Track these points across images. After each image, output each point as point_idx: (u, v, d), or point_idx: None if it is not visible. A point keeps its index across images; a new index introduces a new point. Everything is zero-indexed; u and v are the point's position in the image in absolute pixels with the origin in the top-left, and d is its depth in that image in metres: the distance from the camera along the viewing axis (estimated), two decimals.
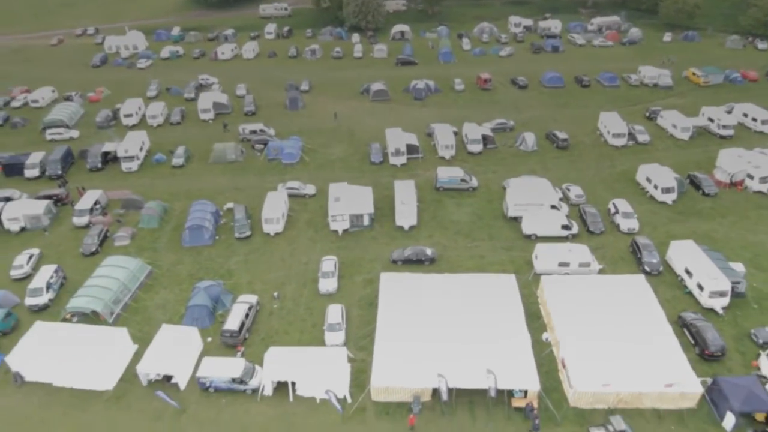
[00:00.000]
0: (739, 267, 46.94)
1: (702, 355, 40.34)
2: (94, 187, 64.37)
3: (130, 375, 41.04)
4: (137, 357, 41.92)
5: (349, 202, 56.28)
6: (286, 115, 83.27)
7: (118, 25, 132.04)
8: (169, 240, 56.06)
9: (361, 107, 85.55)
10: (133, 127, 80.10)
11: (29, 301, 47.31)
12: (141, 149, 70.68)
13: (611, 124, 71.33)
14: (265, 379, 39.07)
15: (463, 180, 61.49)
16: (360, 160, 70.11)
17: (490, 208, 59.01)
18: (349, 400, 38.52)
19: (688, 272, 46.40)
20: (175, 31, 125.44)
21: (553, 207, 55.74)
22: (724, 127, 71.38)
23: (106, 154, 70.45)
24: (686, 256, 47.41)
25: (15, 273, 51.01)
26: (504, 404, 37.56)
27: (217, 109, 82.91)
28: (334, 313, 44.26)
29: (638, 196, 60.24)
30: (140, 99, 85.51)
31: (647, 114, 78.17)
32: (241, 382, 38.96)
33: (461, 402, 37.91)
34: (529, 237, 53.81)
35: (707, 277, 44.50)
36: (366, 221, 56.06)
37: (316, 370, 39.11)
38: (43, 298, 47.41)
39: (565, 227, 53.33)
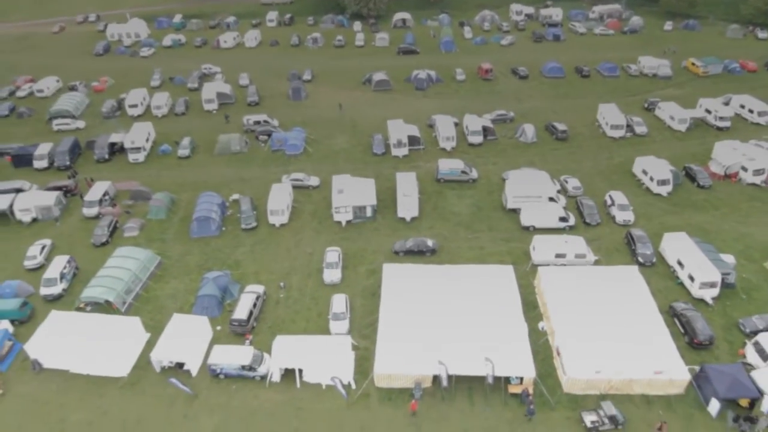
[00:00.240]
0: (729, 259, 48.51)
1: (691, 343, 42.09)
2: (101, 178, 65.89)
3: (143, 362, 42.83)
4: (150, 345, 43.74)
5: (352, 193, 57.66)
6: (289, 106, 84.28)
7: (119, 11, 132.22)
8: (177, 231, 57.60)
9: (364, 97, 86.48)
10: (138, 117, 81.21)
11: (44, 291, 48.96)
12: (147, 140, 71.85)
13: (610, 116, 72.41)
14: (273, 366, 40.90)
15: (463, 172, 62.81)
16: (362, 151, 71.34)
17: (489, 200, 60.43)
18: (354, 387, 40.36)
19: (680, 263, 48.00)
20: (177, 18, 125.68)
21: (551, 199, 57.16)
22: (721, 118, 72.47)
23: (112, 145, 71.66)
24: (679, 247, 48.95)
25: (28, 263, 52.62)
26: (501, 390, 39.40)
27: (221, 99, 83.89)
28: (339, 302, 45.95)
29: (634, 188, 61.63)
30: (144, 89, 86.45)
31: (646, 105, 79.16)
32: (251, 369, 40.79)
33: (460, 388, 39.75)
34: (527, 228, 55.34)
35: (698, 268, 46.09)
36: (369, 213, 57.51)
37: (322, 358, 40.90)
38: (57, 288, 49.08)
39: (563, 219, 54.82)
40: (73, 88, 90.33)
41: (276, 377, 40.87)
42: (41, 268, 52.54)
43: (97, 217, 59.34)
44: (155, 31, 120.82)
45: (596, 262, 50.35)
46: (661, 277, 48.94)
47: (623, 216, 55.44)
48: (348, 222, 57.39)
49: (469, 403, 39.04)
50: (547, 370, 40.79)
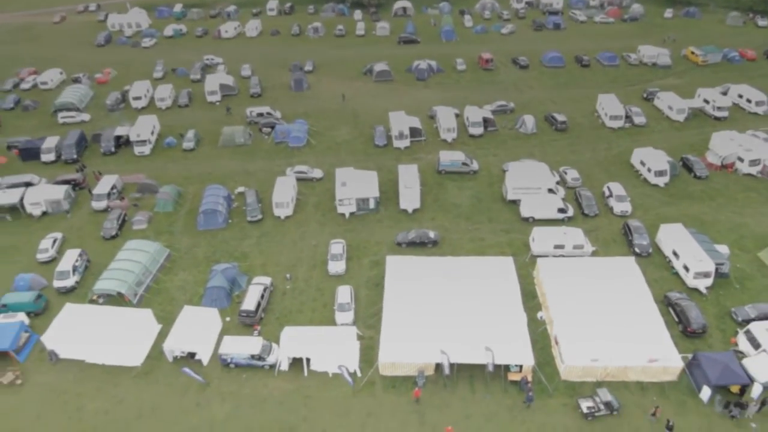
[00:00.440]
0: (723, 249, 49.80)
1: (685, 332, 43.56)
2: (108, 171, 67.07)
3: (156, 352, 44.42)
4: (161, 336, 45.34)
5: (355, 186, 58.80)
6: (291, 97, 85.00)
7: (120, 0, 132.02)
8: (185, 223, 58.87)
9: (365, 88, 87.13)
10: (142, 110, 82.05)
11: (57, 283, 50.38)
12: (152, 133, 72.78)
13: (609, 106, 73.20)
14: (281, 355, 42.47)
15: (464, 163, 63.87)
16: (365, 142, 72.30)
17: (490, 191, 61.59)
18: (359, 375, 41.95)
19: (675, 254, 49.32)
20: (177, 8, 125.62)
21: (550, 191, 58.29)
22: (719, 108, 73.23)
23: (118, 138, 72.61)
24: (674, 238, 50.21)
25: (41, 256, 53.95)
26: (501, 378, 40.99)
27: (224, 91, 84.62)
28: (344, 293, 47.38)
29: (632, 178, 62.72)
30: (148, 81, 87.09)
31: (645, 95, 79.85)
32: (260, 358, 42.37)
33: (462, 376, 41.33)
34: (526, 220, 56.58)
35: (693, 258, 47.41)
36: (372, 205, 58.72)
37: (329, 348, 42.44)
38: (70, 281, 50.50)
39: (561, 210, 56.02)
40: (76, 81, 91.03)
41: (284, 366, 42.46)
42: (53, 261, 53.95)
43: (106, 210, 60.58)
44: (156, 20, 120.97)
45: (594, 253, 51.67)
46: (657, 267, 50.27)
47: (621, 207, 56.63)
48: (351, 214, 58.62)
49: (470, 390, 40.63)
50: (546, 359, 42.32)
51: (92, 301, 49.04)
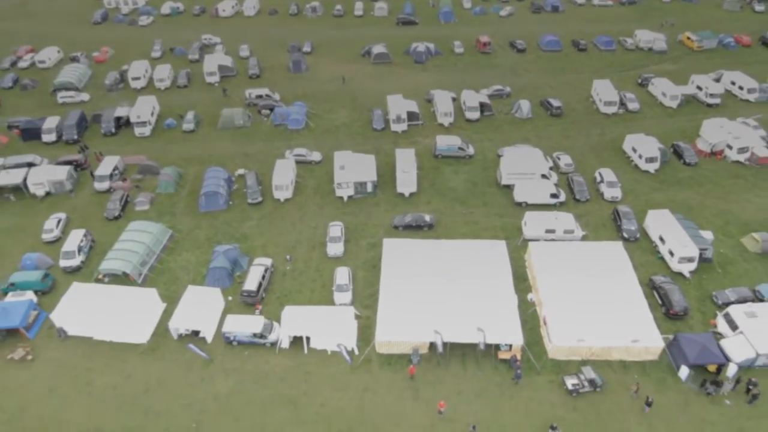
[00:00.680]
0: (708, 235, 51.66)
1: (667, 314, 45.64)
2: (109, 152, 68.05)
3: (161, 330, 46.23)
4: (166, 314, 47.11)
5: (353, 169, 60.08)
6: (289, 79, 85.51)
7: None
8: (186, 205, 60.18)
9: (363, 70, 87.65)
10: (141, 90, 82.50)
11: (63, 263, 51.85)
12: (152, 114, 73.48)
13: (603, 92, 74.22)
14: (282, 333, 44.37)
15: (460, 148, 65.14)
16: (363, 126, 73.30)
17: (484, 176, 63.03)
18: (357, 353, 43.95)
19: (661, 239, 51.17)
20: None
21: (544, 176, 59.78)
22: (712, 95, 74.38)
23: (118, 119, 73.29)
24: (661, 224, 51.98)
25: (46, 236, 55.29)
26: (491, 356, 43.11)
27: (223, 72, 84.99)
28: (342, 275, 49.12)
29: (624, 164, 64.22)
30: (146, 61, 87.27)
31: (639, 81, 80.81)
32: (262, 336, 44.26)
33: (454, 354, 43.40)
34: (520, 204, 58.19)
35: (678, 244, 49.28)
36: (369, 188, 60.10)
37: (328, 327, 44.38)
38: (76, 261, 51.97)
39: (554, 195, 57.60)
40: (74, 59, 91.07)
41: (285, 344, 44.40)
42: (58, 240, 55.35)
43: (109, 191, 61.76)
44: None
45: (584, 238, 53.46)
46: (644, 251, 52.16)
47: (611, 193, 58.26)
48: (349, 197, 60.04)
49: (462, 367, 42.72)
50: (534, 338, 44.40)
51: (98, 281, 50.64)
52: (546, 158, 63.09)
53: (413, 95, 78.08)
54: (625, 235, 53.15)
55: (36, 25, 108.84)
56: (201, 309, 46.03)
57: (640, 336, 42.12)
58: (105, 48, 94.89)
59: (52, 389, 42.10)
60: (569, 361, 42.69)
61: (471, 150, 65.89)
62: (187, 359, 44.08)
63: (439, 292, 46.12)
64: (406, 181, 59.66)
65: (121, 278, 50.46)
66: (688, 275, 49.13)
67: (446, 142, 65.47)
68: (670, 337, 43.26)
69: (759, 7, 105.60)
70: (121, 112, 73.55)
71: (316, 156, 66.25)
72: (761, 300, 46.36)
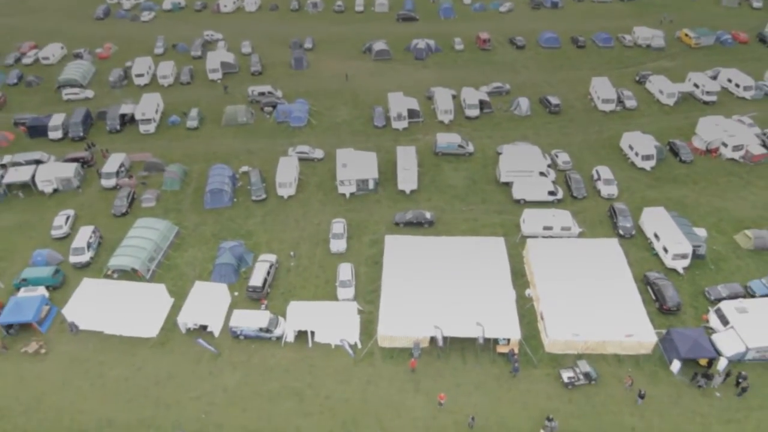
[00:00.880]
0: (701, 232, 52.97)
1: (661, 309, 47.06)
2: (114, 150, 69.17)
3: (170, 324, 47.65)
4: (174, 309, 48.51)
5: (355, 167, 61.26)
6: (291, 76, 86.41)
7: None
8: (192, 202, 61.39)
9: (364, 67, 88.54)
10: (145, 87, 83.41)
11: (73, 259, 53.16)
12: (156, 111, 74.46)
13: (601, 90, 75.27)
14: (287, 328, 45.78)
15: (460, 146, 66.28)
16: (364, 123, 74.37)
17: (484, 173, 64.23)
18: (360, 346, 45.40)
19: (656, 236, 52.49)
20: None
21: (542, 174, 60.99)
22: (708, 93, 75.41)
23: (123, 116, 74.28)
24: (656, 221, 53.28)
25: (55, 233, 56.53)
26: (490, 350, 44.56)
27: (225, 68, 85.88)
28: (345, 270, 50.48)
29: (620, 162, 65.42)
30: (149, 58, 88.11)
31: (637, 78, 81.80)
32: (267, 330, 45.68)
33: (454, 348, 44.85)
34: (518, 201, 59.45)
35: (672, 241, 50.61)
36: (371, 185, 61.33)
37: (331, 321, 45.80)
38: (85, 257, 53.28)
39: (551, 193, 58.85)
40: (78, 56, 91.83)
41: (290, 338, 45.82)
42: (67, 237, 56.60)
43: (115, 188, 62.93)
44: None
45: (580, 234, 54.78)
46: (639, 248, 53.50)
47: (608, 190, 59.51)
48: (352, 194, 61.26)
49: (462, 361, 44.18)
50: (532, 333, 45.85)
51: (107, 276, 51.97)
52: (544, 156, 64.25)
53: (414, 92, 79.09)
54: (621, 232, 54.49)
55: (37, 20, 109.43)
56: (208, 304, 47.41)
57: (634, 331, 43.56)
58: (108, 44, 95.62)
59: (65, 381, 43.57)
60: (565, 354, 44.15)
61: (471, 147, 67.04)
62: (195, 353, 45.53)
63: (440, 288, 47.49)
64: (407, 178, 60.86)
65: (129, 274, 51.79)
66: (681, 271, 50.51)
67: (446, 140, 66.59)
68: (663, 331, 44.69)
69: (757, 4, 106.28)
70: (125, 109, 74.50)
71: (318, 153, 67.39)
72: (752, 296, 47.77)
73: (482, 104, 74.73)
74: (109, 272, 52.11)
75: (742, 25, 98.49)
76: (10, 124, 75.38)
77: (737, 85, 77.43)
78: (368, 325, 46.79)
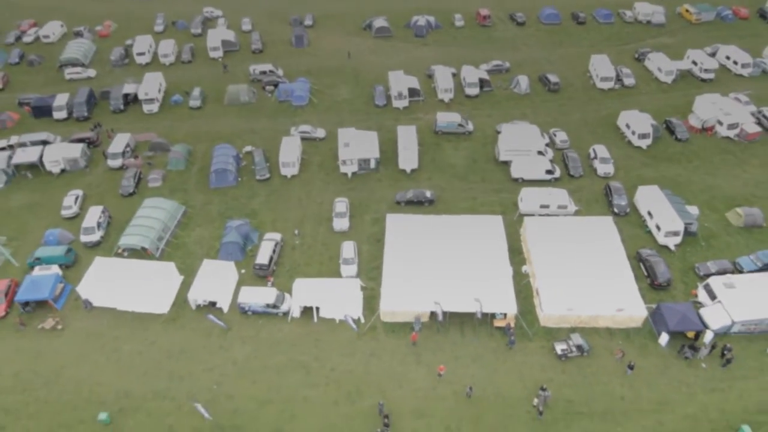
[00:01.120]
0: (693, 210, 54.54)
1: (652, 285, 48.95)
2: (119, 129, 70.12)
3: (180, 301, 49.58)
4: (184, 286, 50.38)
5: (357, 146, 62.40)
6: (292, 54, 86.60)
7: None
8: (197, 181, 62.75)
9: (365, 44, 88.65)
10: (146, 66, 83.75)
11: (84, 238, 54.76)
12: (159, 91, 75.08)
13: (600, 68, 75.77)
14: (293, 304, 47.75)
15: (460, 125, 67.27)
16: (365, 102, 75.10)
17: (483, 152, 65.40)
18: (363, 321, 47.42)
19: (650, 214, 54.05)
20: None
21: (540, 153, 62.19)
22: (706, 70, 75.91)
23: (126, 95, 74.94)
24: (650, 199, 54.78)
25: (65, 213, 58.03)
26: (487, 324, 46.62)
27: (226, 47, 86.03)
28: (348, 248, 52.18)
29: (617, 140, 66.52)
30: (150, 36, 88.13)
31: (636, 55, 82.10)
32: (274, 306, 47.64)
33: (453, 322, 46.88)
34: (516, 180, 60.82)
35: (665, 218, 52.20)
36: (372, 164, 62.59)
37: (335, 297, 47.73)
38: (96, 236, 54.89)
39: (549, 172, 60.17)
40: (78, 34, 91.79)
41: (296, 314, 47.83)
42: (77, 216, 58.13)
43: (122, 168, 64.17)
44: None
45: (576, 212, 56.32)
46: (633, 226, 55.12)
47: (604, 169, 60.81)
48: (353, 173, 62.57)
49: (461, 335, 46.27)
50: (527, 308, 47.83)
51: (118, 255, 53.71)
52: (542, 135, 65.31)
53: (414, 70, 79.57)
54: (616, 210, 56.01)
55: None
56: (217, 281, 49.25)
57: (625, 305, 45.50)
58: (108, 22, 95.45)
59: (82, 355, 45.70)
60: (559, 328, 46.21)
61: (470, 126, 68.02)
62: (205, 328, 47.57)
63: (439, 265, 49.27)
64: (408, 157, 62.08)
65: (139, 252, 53.51)
66: (673, 248, 52.23)
67: (446, 119, 67.52)
68: (654, 306, 46.64)
69: None
70: (129, 88, 75.08)
71: (320, 133, 68.38)
72: (740, 272, 49.59)
73: (482, 83, 75.35)
74: (120, 251, 53.82)
75: (742, 1, 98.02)
76: (15, 104, 76.08)
77: (735, 63, 77.85)
78: (371, 300, 48.72)
